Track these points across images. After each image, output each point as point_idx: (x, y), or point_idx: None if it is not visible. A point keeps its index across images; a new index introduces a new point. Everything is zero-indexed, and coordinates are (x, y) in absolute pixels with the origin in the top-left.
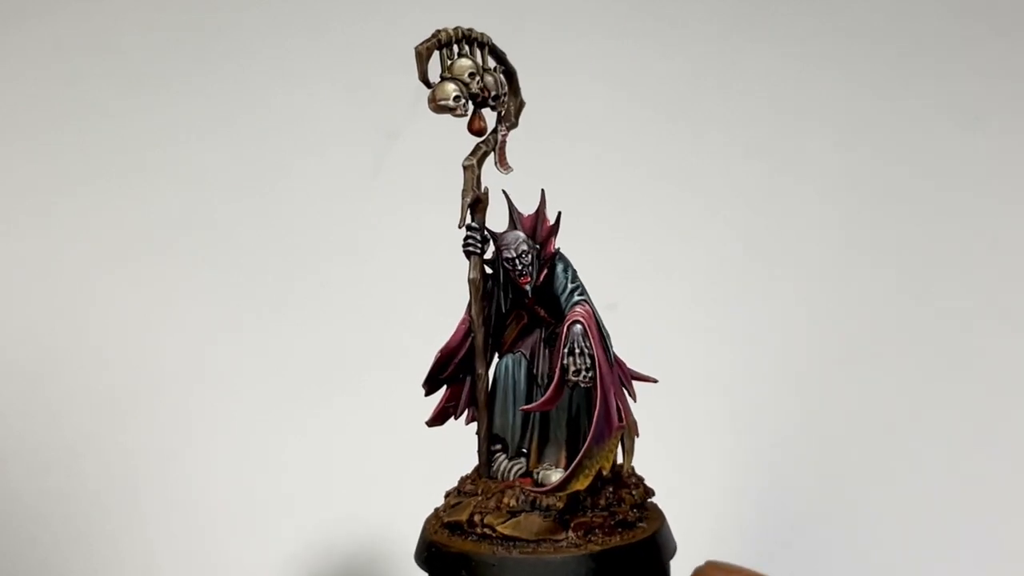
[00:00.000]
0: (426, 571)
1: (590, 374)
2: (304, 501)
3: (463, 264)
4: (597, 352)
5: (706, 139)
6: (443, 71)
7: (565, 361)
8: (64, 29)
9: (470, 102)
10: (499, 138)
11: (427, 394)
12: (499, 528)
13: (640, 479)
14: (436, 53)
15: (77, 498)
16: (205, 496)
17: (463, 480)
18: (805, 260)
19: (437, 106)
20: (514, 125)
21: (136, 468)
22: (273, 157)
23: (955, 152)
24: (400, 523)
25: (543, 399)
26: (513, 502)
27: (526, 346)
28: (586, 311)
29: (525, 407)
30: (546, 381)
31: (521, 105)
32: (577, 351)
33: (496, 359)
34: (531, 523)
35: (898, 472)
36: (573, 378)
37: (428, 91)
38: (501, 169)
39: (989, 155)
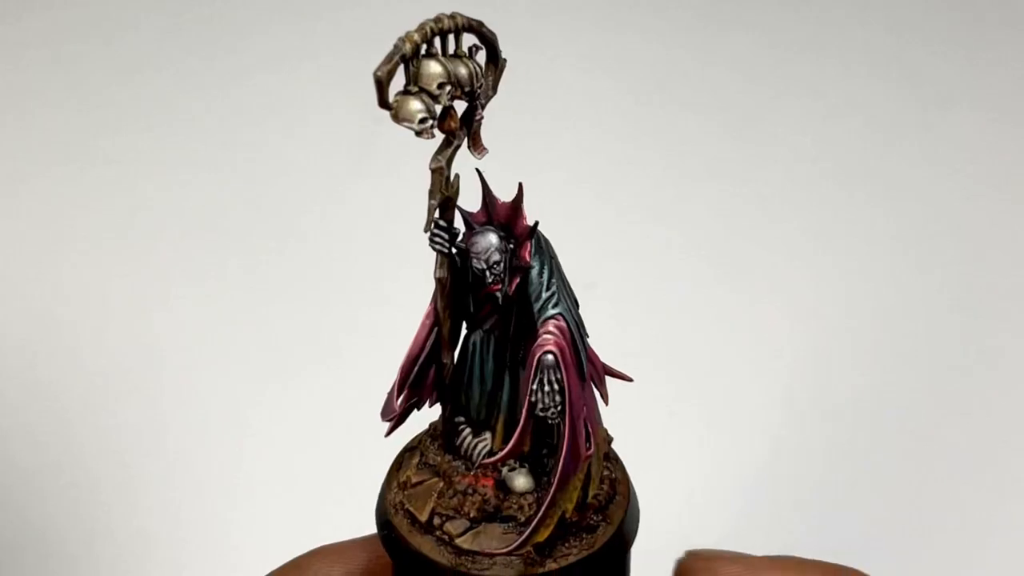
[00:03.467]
0: (384, 547)
1: (559, 408)
2: (296, 475)
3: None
4: (569, 379)
5: (687, 121)
6: (408, 82)
7: (534, 398)
8: (59, 17)
9: (436, 122)
10: (473, 125)
11: (403, 414)
12: (457, 540)
13: (612, 460)
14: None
15: (72, 470)
16: (197, 468)
17: (424, 443)
18: (783, 240)
19: (399, 123)
20: (491, 96)
21: (130, 442)
22: (263, 141)
23: (921, 131)
24: None
25: (510, 446)
26: (475, 512)
27: (496, 322)
28: (559, 329)
29: (489, 460)
30: (513, 403)
31: (502, 67)
32: (547, 388)
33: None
34: (490, 535)
35: (897, 471)
36: (540, 413)
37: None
38: (475, 153)
39: (963, 136)
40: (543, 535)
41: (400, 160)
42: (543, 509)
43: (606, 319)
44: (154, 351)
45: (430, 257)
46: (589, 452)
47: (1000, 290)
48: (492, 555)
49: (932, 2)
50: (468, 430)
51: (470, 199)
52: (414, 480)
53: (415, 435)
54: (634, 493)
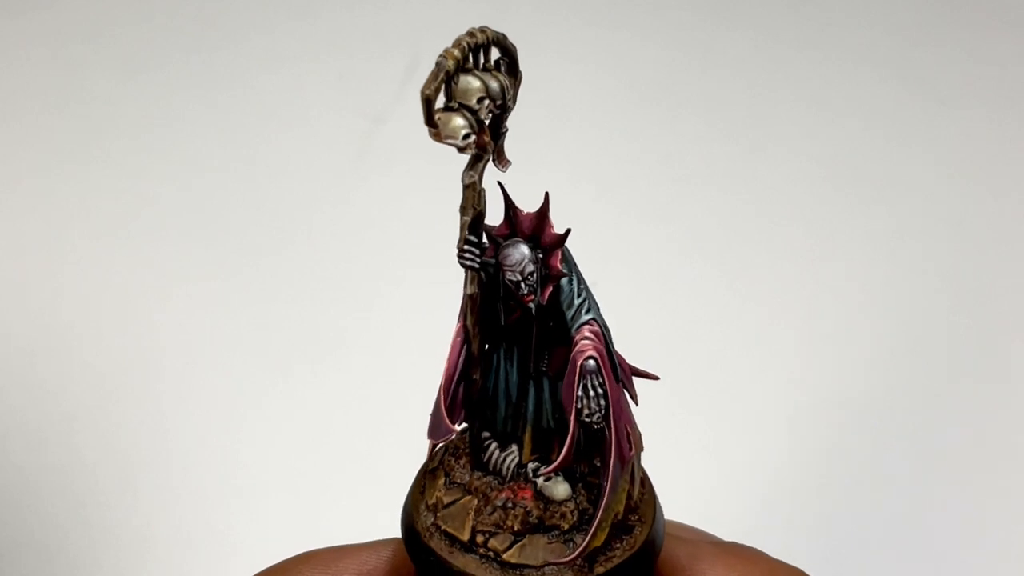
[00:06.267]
0: (421, 573)
1: (603, 412)
2: (297, 475)
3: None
4: (608, 382)
5: (688, 121)
6: (448, 99)
7: (579, 405)
8: (61, 17)
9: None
10: (500, 138)
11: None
12: (504, 556)
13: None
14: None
15: (73, 471)
16: (197, 468)
17: (448, 463)
18: (785, 239)
19: (442, 141)
20: (512, 108)
21: (130, 442)
22: (263, 141)
23: (922, 131)
24: (397, 501)
25: (562, 456)
26: (518, 525)
27: (518, 334)
28: (595, 333)
29: (545, 471)
30: (554, 406)
31: (519, 80)
32: (592, 394)
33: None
34: (536, 547)
35: (903, 471)
36: (586, 420)
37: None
38: (500, 166)
39: (963, 136)
40: (600, 539)
41: (399, 159)
42: (599, 514)
43: (607, 319)
44: (154, 351)
45: (430, 258)
46: (631, 453)
47: (1003, 290)
48: (542, 566)
49: (932, 2)
50: (494, 445)
51: (492, 213)
52: (446, 501)
53: (430, 456)
54: (655, 491)
